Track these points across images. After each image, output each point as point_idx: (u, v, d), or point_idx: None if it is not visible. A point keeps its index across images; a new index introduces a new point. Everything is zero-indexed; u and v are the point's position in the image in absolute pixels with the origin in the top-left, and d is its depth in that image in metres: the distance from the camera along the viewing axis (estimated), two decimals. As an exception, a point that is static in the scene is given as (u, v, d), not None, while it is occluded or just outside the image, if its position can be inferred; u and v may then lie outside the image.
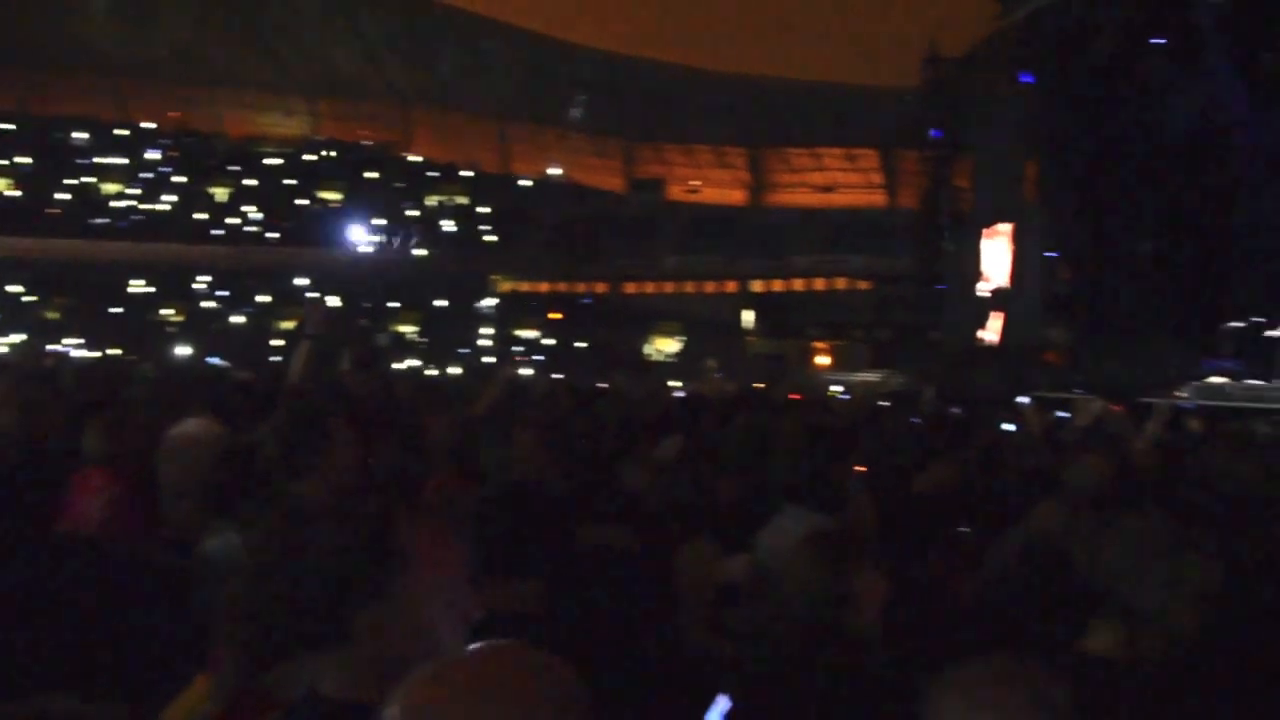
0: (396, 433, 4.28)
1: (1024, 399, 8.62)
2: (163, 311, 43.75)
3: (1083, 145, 22.63)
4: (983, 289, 27.39)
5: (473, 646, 1.15)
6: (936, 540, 3.98)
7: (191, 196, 49.86)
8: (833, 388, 19.39)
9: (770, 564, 2.55)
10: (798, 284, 49.46)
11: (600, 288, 50.55)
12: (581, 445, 4.43)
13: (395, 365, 34.08)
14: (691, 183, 57.16)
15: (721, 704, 2.06)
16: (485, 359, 37.76)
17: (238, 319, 44.14)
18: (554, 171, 56.50)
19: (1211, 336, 19.31)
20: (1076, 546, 3.05)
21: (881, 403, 12.47)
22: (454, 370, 33.18)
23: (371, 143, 56.72)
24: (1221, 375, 18.60)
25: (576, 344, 44.94)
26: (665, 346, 47.04)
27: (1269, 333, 17.95)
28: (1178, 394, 17.89)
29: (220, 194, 50.75)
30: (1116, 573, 2.19)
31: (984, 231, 27.52)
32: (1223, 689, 2.25)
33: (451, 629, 1.57)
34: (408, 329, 45.31)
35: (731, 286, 50.23)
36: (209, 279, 45.58)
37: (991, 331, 26.76)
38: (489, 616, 1.62)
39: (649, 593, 2.26)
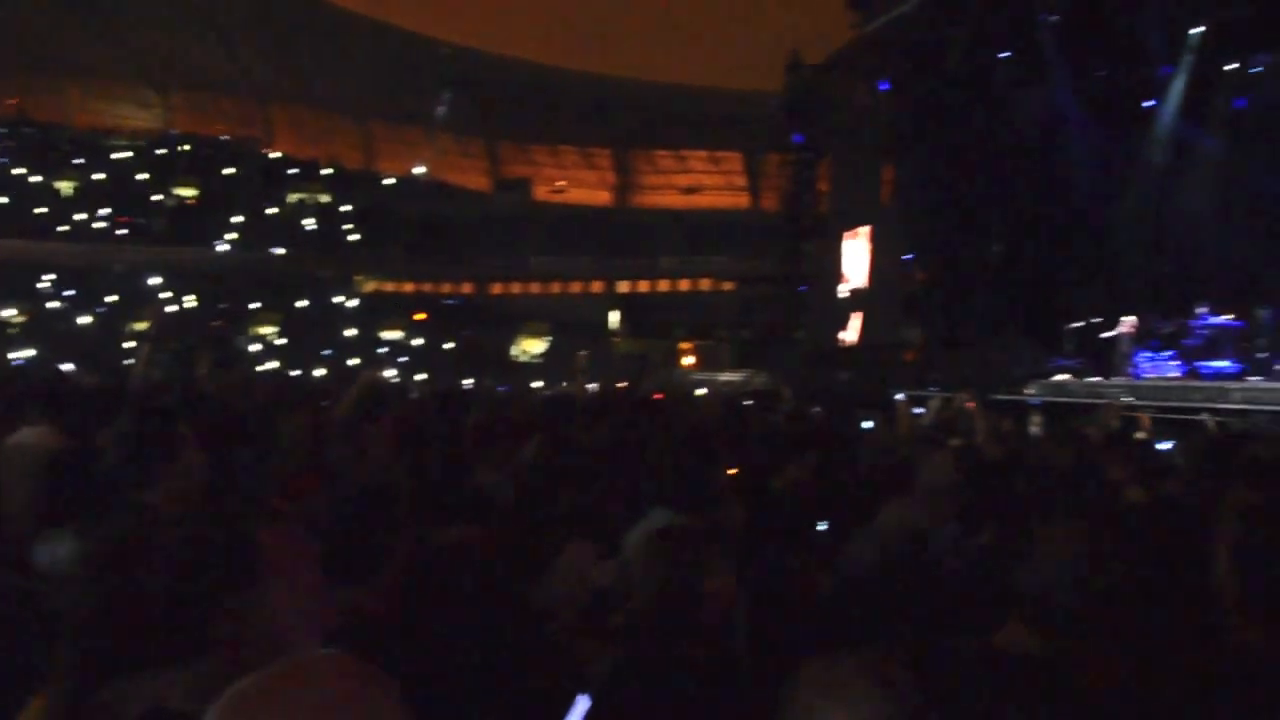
0: (252, 436, 4.16)
1: (899, 395, 8.87)
2: (3, 313, 41.46)
3: (936, 151, 23.42)
4: (843, 290, 28.11)
5: (293, 658, 1.12)
6: (795, 538, 4.06)
7: (33, 190, 47.41)
8: (698, 390, 19.67)
9: (630, 564, 2.58)
10: (663, 285, 49.94)
11: (466, 288, 50.09)
12: (440, 446, 4.39)
13: (256, 368, 33.11)
14: (558, 183, 57.13)
15: (581, 705, 2.07)
16: (349, 361, 36.97)
17: (85, 320, 42.16)
18: (418, 170, 55.69)
19: (1056, 336, 20.17)
20: (934, 539, 3.16)
21: (745, 402, 12.70)
22: (318, 372, 32.38)
23: (229, 138, 54.97)
24: (1065, 373, 19.51)
25: (442, 345, 44.41)
26: (532, 347, 46.89)
27: (1105, 334, 18.87)
28: (1026, 391, 18.72)
29: (65, 188, 48.41)
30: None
31: (844, 234, 28.24)
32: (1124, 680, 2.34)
33: (306, 637, 1.54)
34: (268, 330, 44.02)
35: (598, 287, 50.40)
36: (53, 278, 43.43)
37: (851, 331, 27.47)
38: (343, 622, 1.59)
39: (504, 594, 2.26)
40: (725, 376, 35.02)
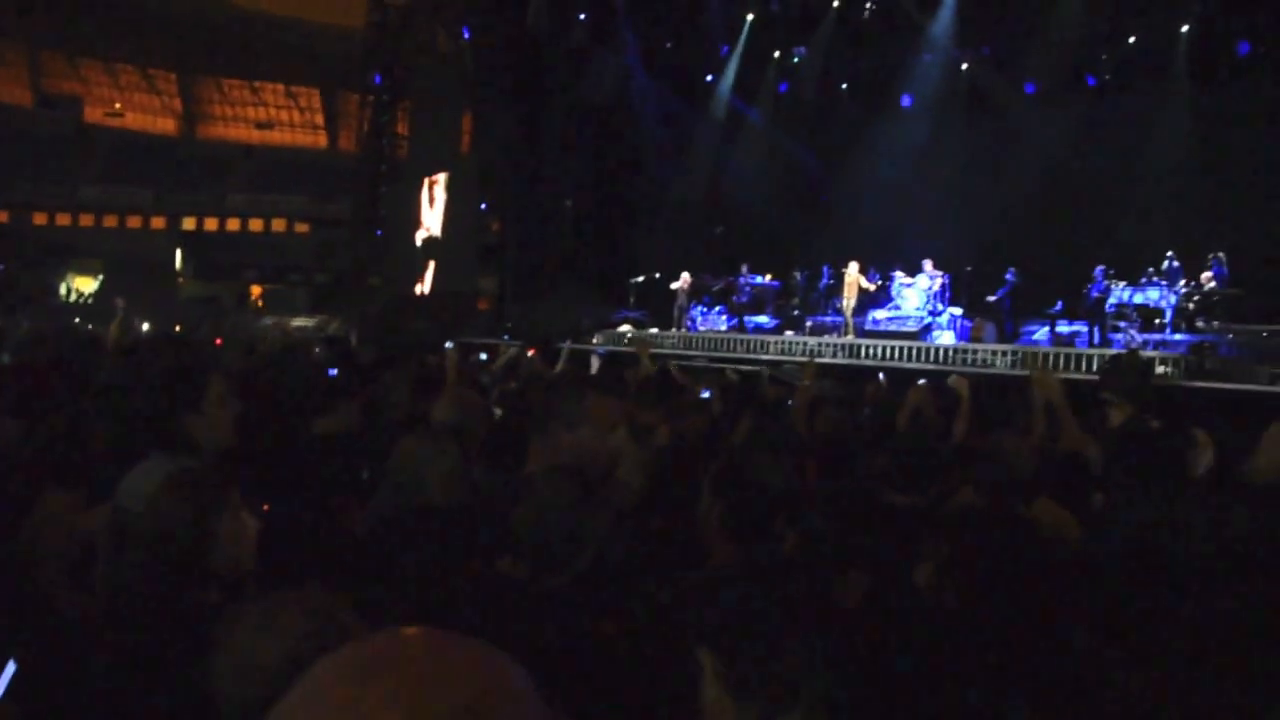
0: None
1: (449, 344, 8.95)
2: None
3: (514, 103, 23.83)
4: (420, 236, 28.00)
5: None
6: (339, 481, 4.01)
7: None
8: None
9: (131, 511, 2.42)
10: (233, 224, 47.10)
11: (2, 216, 44.43)
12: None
13: None
14: (114, 105, 51.79)
15: (9, 669, 1.91)
16: None
17: None
18: (-60, 77, 48.37)
19: (622, 289, 21.32)
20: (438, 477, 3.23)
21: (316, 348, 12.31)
22: None
23: None
24: (628, 324, 20.72)
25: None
26: (83, 286, 42.49)
27: (672, 285, 20.16)
28: (593, 340, 19.65)
29: None
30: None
31: (423, 180, 28.08)
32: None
33: None
34: None
35: (160, 223, 46.63)
36: None
37: (426, 279, 27.46)
38: None
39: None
40: (298, 322, 33.77)
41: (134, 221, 46.38)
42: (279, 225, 46.89)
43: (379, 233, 30.43)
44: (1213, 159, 17.24)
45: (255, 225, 47.16)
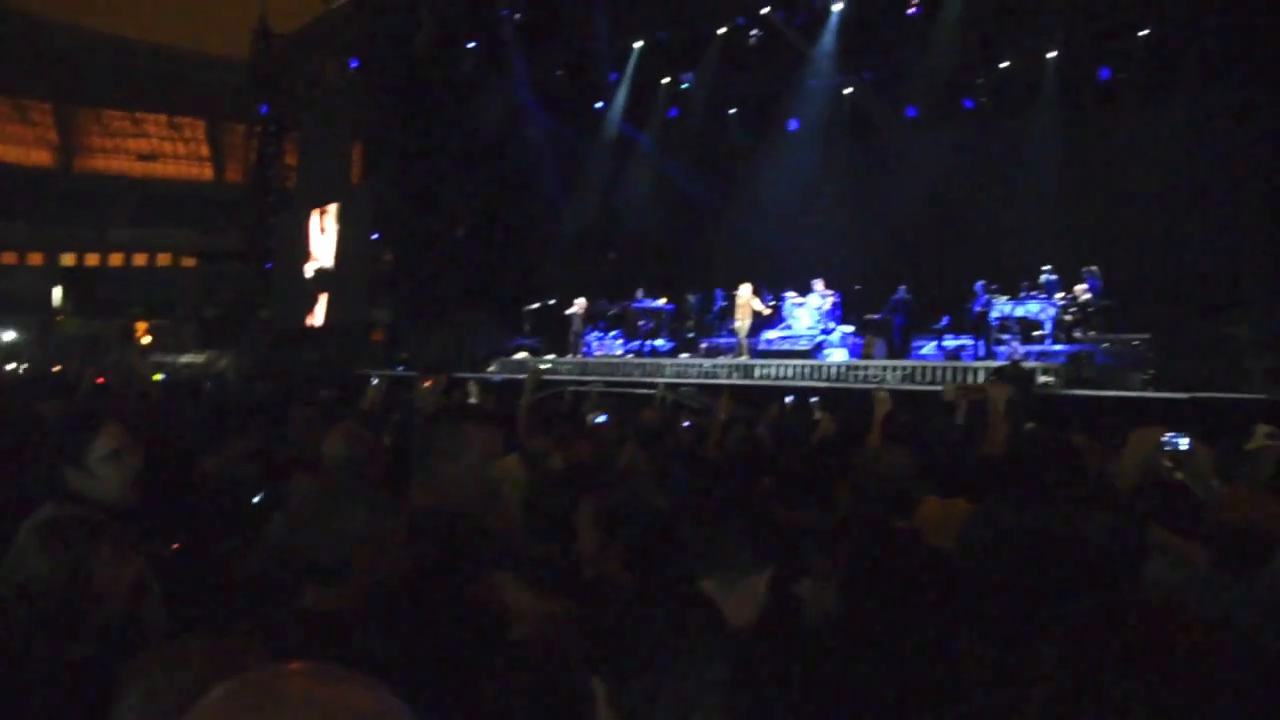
0: None
1: (374, 379, 8.82)
2: None
3: (404, 132, 23.69)
4: (310, 269, 27.56)
5: None
6: (229, 519, 3.96)
7: None
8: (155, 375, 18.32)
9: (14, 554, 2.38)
10: (116, 258, 45.74)
11: None
12: None
13: None
14: (-16, 138, 49.92)
15: None
16: None
17: None
18: None
19: (516, 316, 21.28)
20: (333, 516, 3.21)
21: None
22: None
23: None
24: (523, 351, 20.69)
25: None
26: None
27: (567, 311, 20.18)
28: (489, 369, 19.57)
29: None
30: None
31: (312, 211, 27.67)
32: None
33: None
34: None
35: (37, 259, 45.09)
36: None
37: (318, 312, 27.03)
38: None
39: None
40: (187, 358, 32.94)
41: (8, 257, 44.75)
42: (164, 259, 45.71)
43: (268, 265, 29.86)
44: (1082, 177, 18.02)
45: (139, 260, 45.91)
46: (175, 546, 3.56)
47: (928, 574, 2.91)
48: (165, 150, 51.53)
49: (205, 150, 51.31)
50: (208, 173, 50.91)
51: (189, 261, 44.34)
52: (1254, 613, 2.92)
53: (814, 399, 11.16)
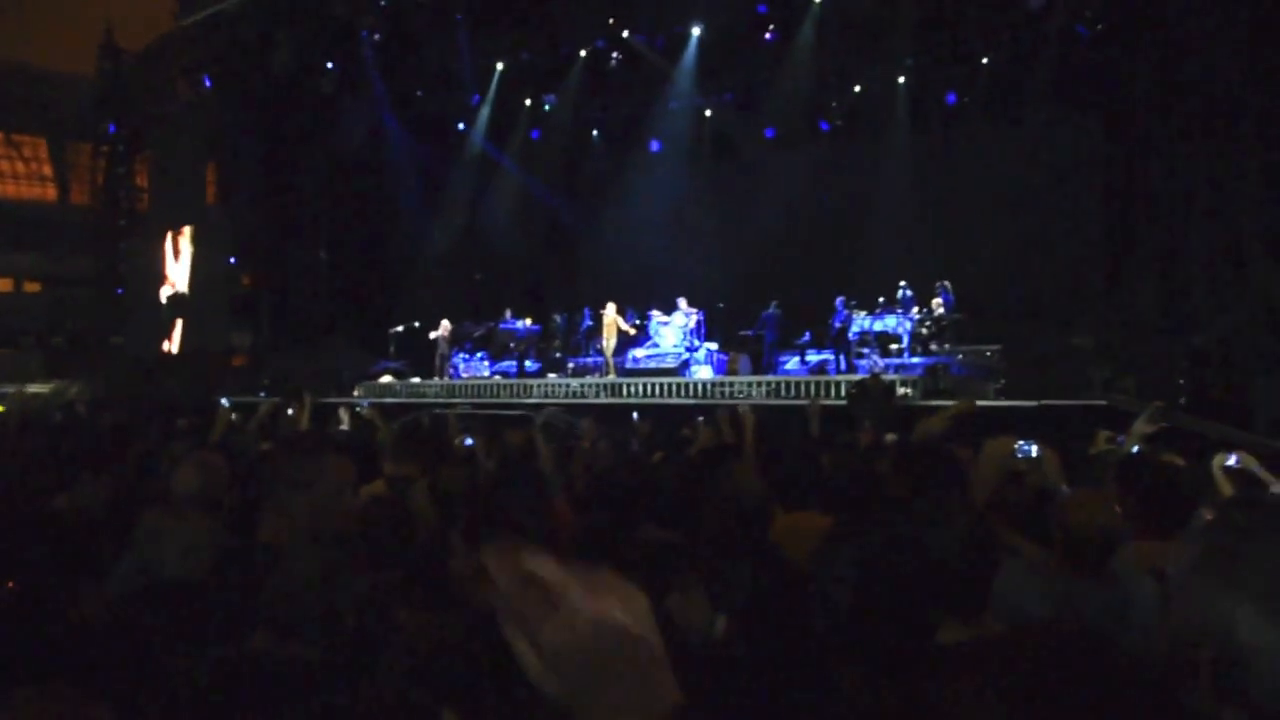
0: None
1: (224, 400, 8.57)
2: None
3: (260, 153, 23.13)
4: (165, 293, 26.62)
5: None
6: (81, 561, 3.81)
7: None
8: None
9: None
10: (-48, 284, 43.37)
11: None
12: None
13: None
14: None
15: None
16: None
17: None
18: None
19: (381, 339, 20.96)
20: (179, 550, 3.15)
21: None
22: None
23: None
24: (389, 374, 20.38)
25: None
26: None
27: (432, 334, 19.95)
28: (355, 393, 19.21)
29: None
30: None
31: (166, 233, 26.75)
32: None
33: None
34: None
35: None
36: None
37: (174, 337, 26.13)
38: None
39: None
40: (34, 388, 31.38)
41: None
42: (5, 285, 43.45)
43: (120, 290, 28.67)
44: (933, 196, 18.76)
45: (-22, 285, 43.56)
46: (10, 585, 3.41)
47: (790, 591, 2.99)
48: (4, 170, 49.03)
49: (48, 169, 48.95)
50: (51, 194, 48.56)
51: (33, 287, 42.30)
52: (1102, 613, 3.10)
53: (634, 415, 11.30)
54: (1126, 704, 1.04)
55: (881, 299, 16.70)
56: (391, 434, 5.89)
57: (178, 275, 26.42)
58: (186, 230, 26.19)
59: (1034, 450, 4.46)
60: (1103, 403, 11.99)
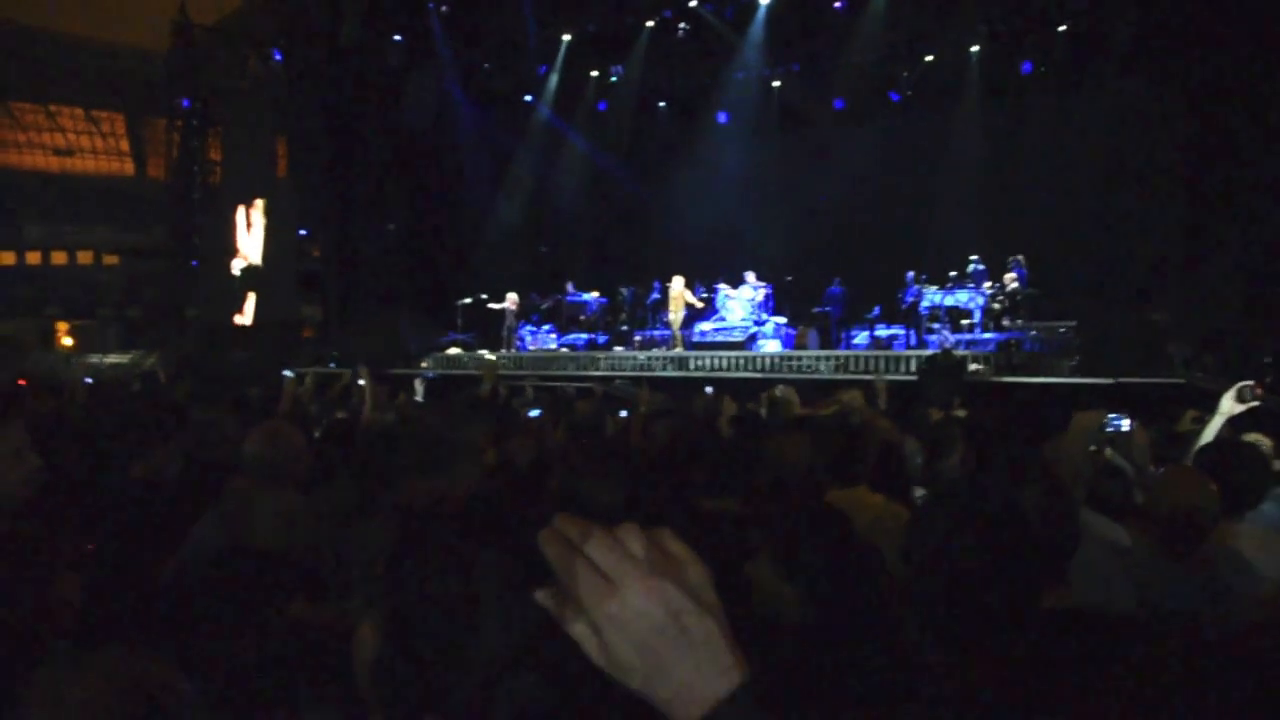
0: None
1: (287, 372, 8.69)
2: None
3: (329, 126, 23.32)
4: (237, 265, 27.05)
5: None
6: (155, 527, 3.86)
7: None
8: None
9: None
10: (33, 257, 44.46)
11: None
12: None
13: None
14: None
15: None
16: None
17: None
18: None
19: (448, 311, 21.09)
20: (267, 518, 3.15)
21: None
22: None
23: None
24: (456, 346, 20.52)
25: None
26: None
27: (492, 305, 20.04)
28: (422, 364, 19.39)
29: None
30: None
31: (238, 207, 27.16)
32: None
33: None
34: None
35: (-55, 257, 43.75)
36: None
37: (246, 310, 26.57)
38: None
39: None
40: (111, 359, 32.14)
41: (-87, 255, 43.40)
42: (85, 258, 44.49)
43: (194, 263, 29.21)
44: (1006, 168, 18.36)
45: (58, 258, 44.62)
46: (90, 548, 3.45)
47: (864, 562, 2.92)
48: (83, 145, 50.06)
49: (125, 145, 49.92)
50: (128, 168, 49.57)
51: (111, 259, 43.25)
52: (1189, 597, 2.98)
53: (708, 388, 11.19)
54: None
55: (953, 274, 16.42)
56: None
57: (250, 248, 26.82)
58: (258, 203, 26.57)
59: (1125, 424, 4.33)
60: (1182, 381, 11.67)
